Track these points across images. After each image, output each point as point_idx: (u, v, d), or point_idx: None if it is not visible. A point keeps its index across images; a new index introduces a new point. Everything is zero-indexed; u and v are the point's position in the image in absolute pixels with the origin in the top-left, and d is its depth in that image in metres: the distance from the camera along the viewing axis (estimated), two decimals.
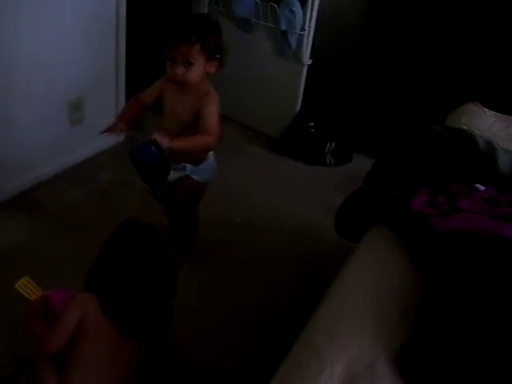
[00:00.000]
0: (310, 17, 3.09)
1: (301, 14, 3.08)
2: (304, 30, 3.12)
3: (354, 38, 3.34)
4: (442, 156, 1.99)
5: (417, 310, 1.33)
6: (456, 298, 1.33)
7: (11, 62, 2.45)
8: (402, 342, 1.24)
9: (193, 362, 1.99)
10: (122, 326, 1.50)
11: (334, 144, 3.40)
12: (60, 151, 2.90)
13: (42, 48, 2.55)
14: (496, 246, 1.41)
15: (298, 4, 3.06)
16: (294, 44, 3.19)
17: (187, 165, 2.13)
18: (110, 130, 2.08)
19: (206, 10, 3.41)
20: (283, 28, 3.13)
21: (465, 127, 2.30)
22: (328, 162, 3.39)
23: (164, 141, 1.81)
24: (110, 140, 2.96)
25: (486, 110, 2.54)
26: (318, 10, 3.09)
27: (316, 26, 3.14)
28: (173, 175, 2.06)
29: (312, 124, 3.43)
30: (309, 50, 3.21)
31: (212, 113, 2.01)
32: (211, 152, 2.20)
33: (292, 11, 3.06)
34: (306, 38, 3.16)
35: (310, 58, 3.25)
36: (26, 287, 1.61)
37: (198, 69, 1.94)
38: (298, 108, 3.44)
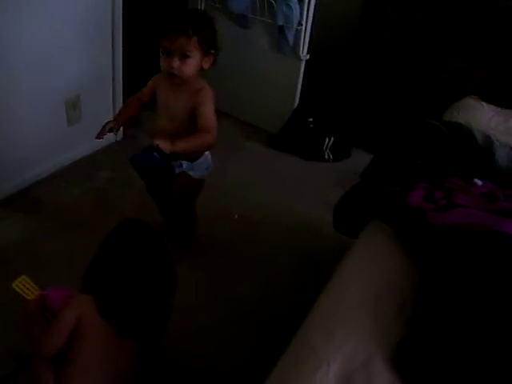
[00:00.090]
0: (307, 12, 3.08)
1: (298, 9, 3.06)
2: (301, 25, 3.11)
3: (351, 32, 3.33)
4: (440, 151, 1.98)
5: (414, 306, 1.33)
6: (453, 293, 1.32)
7: (8, 61, 2.45)
8: (399, 338, 1.24)
9: (191, 359, 1.99)
10: (120, 328, 1.49)
11: (332, 139, 3.39)
12: (58, 149, 2.90)
13: (39, 46, 2.54)
14: (493, 242, 1.40)
15: None
16: (291, 39, 3.17)
17: (183, 161, 2.13)
18: (100, 134, 2.11)
19: (202, 6, 3.40)
20: (280, 23, 3.12)
21: (462, 121, 2.29)
22: (327, 157, 3.38)
23: (166, 146, 1.82)
24: (108, 138, 2.95)
25: (484, 103, 2.53)
26: (315, 5, 3.08)
27: (313, 20, 3.13)
28: None
29: (311, 119, 3.42)
30: (306, 45, 3.20)
31: (209, 110, 2.01)
32: None
33: (289, 6, 3.05)
34: (303, 33, 3.14)
35: (308, 53, 3.24)
36: (23, 286, 1.61)
37: (193, 62, 1.93)
38: (296, 103, 3.43)
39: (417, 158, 1.93)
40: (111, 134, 2.19)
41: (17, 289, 1.59)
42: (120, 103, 3.14)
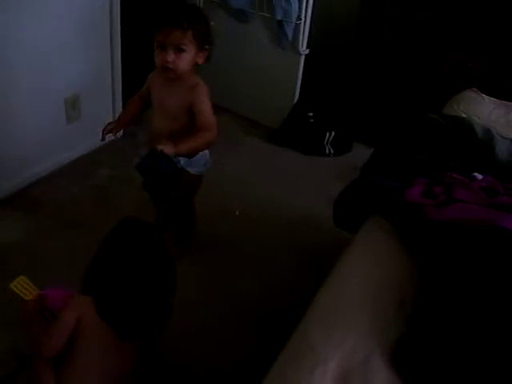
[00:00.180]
0: (306, 6, 3.07)
1: (296, 4, 3.05)
2: (300, 19, 3.10)
3: (351, 26, 3.31)
4: (440, 145, 1.97)
5: (413, 303, 1.32)
6: (453, 289, 1.31)
7: (9, 60, 2.44)
8: (398, 336, 1.23)
9: (191, 357, 1.98)
10: (119, 330, 1.48)
11: (333, 134, 3.38)
12: (57, 148, 2.89)
13: (38, 46, 2.54)
14: (493, 237, 1.39)
15: None
16: (290, 34, 3.16)
17: (181, 158, 2.11)
18: (102, 136, 2.18)
19: (201, 2, 3.38)
20: (279, 18, 3.11)
21: (463, 114, 2.28)
22: (327, 151, 3.37)
23: (170, 150, 1.83)
24: (108, 136, 2.95)
25: (485, 96, 2.51)
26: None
27: (312, 15, 3.12)
28: None
29: (311, 114, 3.41)
30: (305, 39, 3.18)
31: (206, 106, 2.00)
32: None
33: (287, 1, 3.03)
34: (302, 28, 3.13)
35: (307, 48, 3.22)
36: (22, 287, 1.60)
37: (188, 56, 1.91)
38: (296, 98, 3.41)
39: (416, 153, 1.91)
40: (112, 135, 2.21)
41: (15, 289, 1.59)
42: (120, 101, 3.14)
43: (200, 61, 1.98)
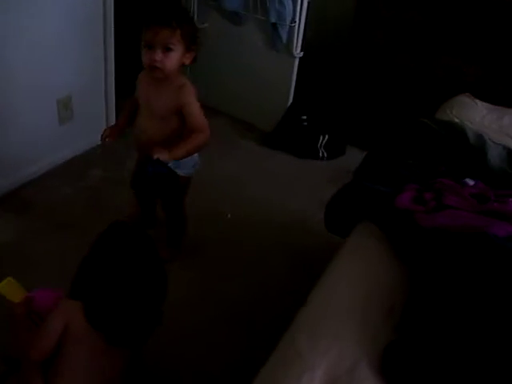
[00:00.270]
0: (300, 9, 3.05)
1: (291, 6, 3.04)
2: (294, 22, 3.08)
3: (345, 29, 3.31)
4: (432, 150, 1.97)
5: (402, 310, 1.31)
6: (442, 297, 1.30)
7: (2, 60, 2.43)
8: (386, 343, 1.22)
9: (181, 361, 1.97)
10: (107, 335, 1.47)
11: (326, 137, 3.37)
12: (50, 149, 2.88)
13: (30, 46, 2.53)
14: (483, 244, 1.38)
15: None
16: (284, 36, 3.15)
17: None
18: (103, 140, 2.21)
19: (195, 4, 3.37)
20: (273, 20, 3.10)
21: (456, 119, 2.28)
22: (321, 155, 3.36)
23: (165, 157, 1.86)
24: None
25: (478, 101, 2.51)
26: (308, 2, 3.05)
27: (307, 18, 3.11)
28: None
29: (304, 117, 3.40)
30: (300, 42, 3.17)
31: (196, 108, 2.00)
32: None
33: (281, 3, 3.02)
34: (296, 31, 3.12)
35: (302, 51, 3.21)
36: (9, 288, 1.58)
37: (175, 56, 1.91)
38: (290, 101, 3.40)
39: (408, 158, 1.91)
40: (111, 139, 2.22)
41: (2, 291, 1.57)
42: (113, 102, 3.13)
43: (187, 61, 1.98)
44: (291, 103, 3.41)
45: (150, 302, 1.54)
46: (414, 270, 1.43)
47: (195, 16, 3.42)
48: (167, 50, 1.89)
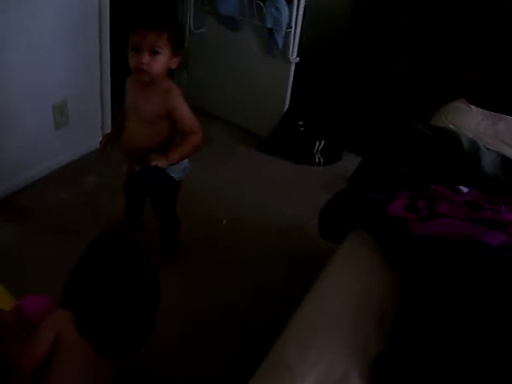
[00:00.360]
0: (297, 14, 3.05)
1: (287, 12, 3.03)
2: (290, 27, 3.08)
3: (341, 35, 3.31)
4: (426, 156, 1.96)
5: (393, 320, 1.30)
6: (434, 306, 1.30)
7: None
8: (377, 353, 1.21)
9: (174, 369, 1.96)
10: (98, 345, 1.45)
11: (323, 143, 3.37)
12: (45, 154, 2.87)
13: (24, 51, 2.52)
14: (475, 253, 1.38)
15: (284, 1, 3.02)
16: (280, 42, 3.15)
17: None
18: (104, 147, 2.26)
19: (191, 9, 3.37)
20: (269, 26, 3.09)
21: (451, 125, 2.28)
22: (317, 160, 3.35)
23: (163, 163, 1.90)
24: (95, 143, 2.94)
25: (473, 107, 2.51)
26: (305, 8, 3.05)
27: (303, 23, 3.11)
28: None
29: (301, 123, 3.40)
30: (296, 47, 3.17)
31: (185, 110, 2.02)
32: None
33: (278, 9, 3.02)
34: (292, 36, 3.11)
35: (298, 56, 3.21)
36: None
37: (162, 59, 1.92)
38: (286, 106, 3.40)
39: (402, 165, 1.91)
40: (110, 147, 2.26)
41: None
42: (108, 108, 3.12)
43: (173, 65, 1.99)
44: (287, 108, 3.40)
45: (142, 311, 1.53)
46: (406, 279, 1.42)
47: (191, 21, 3.43)
48: (154, 53, 1.90)
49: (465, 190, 1.74)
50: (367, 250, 1.57)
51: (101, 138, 2.32)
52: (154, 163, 1.88)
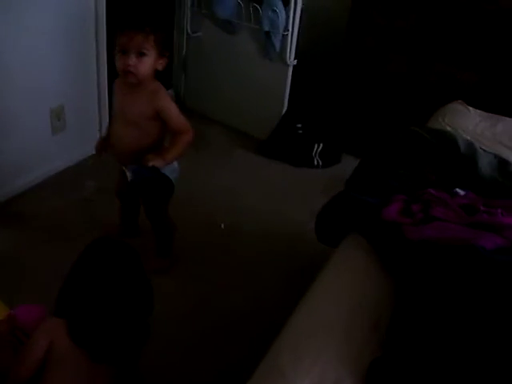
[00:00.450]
0: (294, 17, 3.05)
1: (284, 15, 3.03)
2: (287, 30, 3.08)
3: (339, 37, 3.30)
4: (423, 159, 1.95)
5: (388, 325, 1.29)
6: (428, 311, 1.28)
7: None
8: (371, 360, 1.20)
9: (173, 373, 1.95)
10: (91, 352, 1.44)
11: (321, 145, 3.36)
12: (42, 160, 2.87)
13: (20, 56, 2.52)
14: (471, 257, 1.36)
15: (281, 4, 3.02)
16: (277, 45, 3.14)
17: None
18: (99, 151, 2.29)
19: (188, 13, 3.37)
20: (266, 29, 3.09)
21: (448, 127, 2.26)
22: (316, 163, 3.34)
23: (160, 163, 1.94)
24: (92, 148, 2.94)
25: (471, 108, 2.49)
26: (302, 10, 3.05)
27: (300, 26, 3.10)
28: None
29: (299, 125, 3.39)
30: (293, 50, 3.16)
31: (174, 110, 2.04)
32: None
33: (275, 12, 3.02)
34: (289, 39, 3.11)
35: (295, 59, 3.20)
36: None
37: (149, 61, 1.94)
38: (284, 109, 3.39)
39: (398, 167, 1.89)
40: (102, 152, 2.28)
41: None
42: (106, 112, 3.11)
43: (160, 67, 2.01)
44: (286, 111, 3.40)
45: (135, 318, 1.52)
46: (400, 284, 1.41)
47: (188, 25, 3.42)
48: (141, 54, 1.91)
49: (461, 192, 1.73)
50: (363, 254, 1.56)
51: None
52: (151, 163, 1.91)
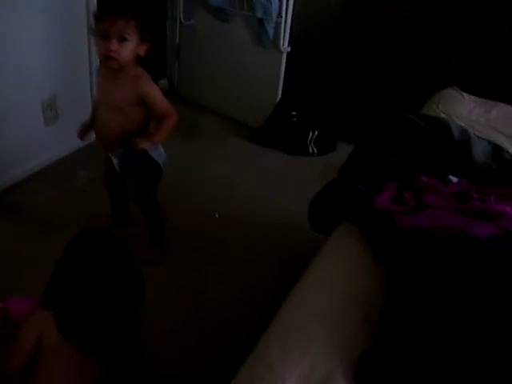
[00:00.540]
0: (287, 3, 3.01)
1: (277, 1, 3.00)
2: (281, 16, 3.04)
3: (333, 24, 3.27)
4: (416, 146, 1.93)
5: (379, 316, 1.28)
6: (420, 300, 1.27)
7: None
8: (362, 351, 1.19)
9: (164, 361, 1.95)
10: (81, 345, 1.44)
11: (316, 133, 3.34)
12: (35, 151, 2.85)
13: (11, 46, 2.49)
14: (463, 245, 1.35)
15: None
16: (271, 32, 3.11)
17: None
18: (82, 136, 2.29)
19: (181, 1, 3.34)
20: (259, 16, 3.06)
21: (442, 114, 2.25)
22: (311, 151, 3.33)
23: (150, 146, 1.92)
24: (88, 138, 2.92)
25: (466, 94, 2.47)
26: None
27: (293, 12, 3.06)
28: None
29: (294, 113, 3.37)
30: (287, 37, 3.13)
31: (158, 94, 2.04)
32: None
33: None
34: (283, 26, 3.07)
35: (289, 46, 3.17)
36: None
37: (131, 46, 1.92)
38: (278, 97, 3.37)
39: (392, 155, 1.88)
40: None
41: None
42: None
43: (141, 52, 1.99)
44: (280, 99, 3.37)
45: (124, 309, 1.51)
46: (392, 273, 1.40)
47: (181, 13, 3.39)
48: (122, 40, 1.90)
49: (454, 179, 1.72)
50: (355, 243, 1.54)
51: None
52: (140, 146, 1.90)
